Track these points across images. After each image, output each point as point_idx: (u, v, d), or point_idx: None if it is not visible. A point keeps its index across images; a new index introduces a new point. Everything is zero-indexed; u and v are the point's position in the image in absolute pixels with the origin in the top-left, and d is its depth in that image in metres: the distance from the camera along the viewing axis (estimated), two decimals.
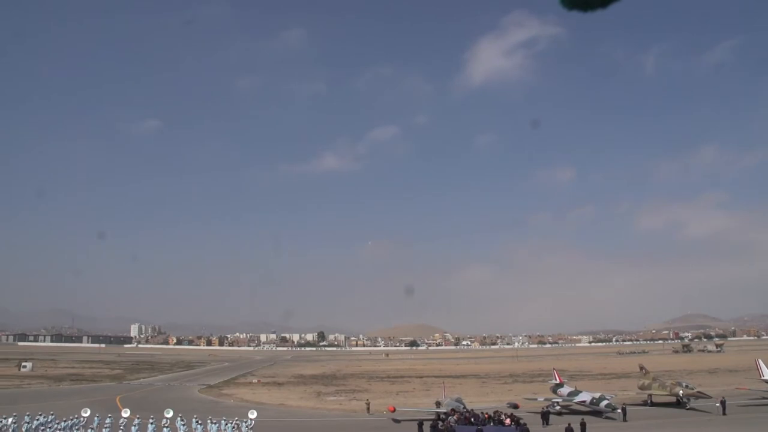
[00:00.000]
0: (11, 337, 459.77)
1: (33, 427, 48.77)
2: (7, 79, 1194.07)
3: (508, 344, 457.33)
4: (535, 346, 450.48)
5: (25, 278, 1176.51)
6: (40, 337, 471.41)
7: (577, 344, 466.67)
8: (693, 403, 67.38)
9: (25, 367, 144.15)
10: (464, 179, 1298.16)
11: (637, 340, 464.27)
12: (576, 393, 70.98)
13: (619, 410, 61.88)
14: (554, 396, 72.74)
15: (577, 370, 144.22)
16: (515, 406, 66.24)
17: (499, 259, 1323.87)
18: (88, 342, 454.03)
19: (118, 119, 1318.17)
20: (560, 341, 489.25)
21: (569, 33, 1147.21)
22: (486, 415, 56.53)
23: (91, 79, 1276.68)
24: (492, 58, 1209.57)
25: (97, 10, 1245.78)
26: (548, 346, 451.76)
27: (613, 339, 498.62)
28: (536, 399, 72.39)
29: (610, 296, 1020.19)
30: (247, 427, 50.26)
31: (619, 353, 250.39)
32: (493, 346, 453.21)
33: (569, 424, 52.68)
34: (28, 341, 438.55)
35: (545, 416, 60.68)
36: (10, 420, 48.80)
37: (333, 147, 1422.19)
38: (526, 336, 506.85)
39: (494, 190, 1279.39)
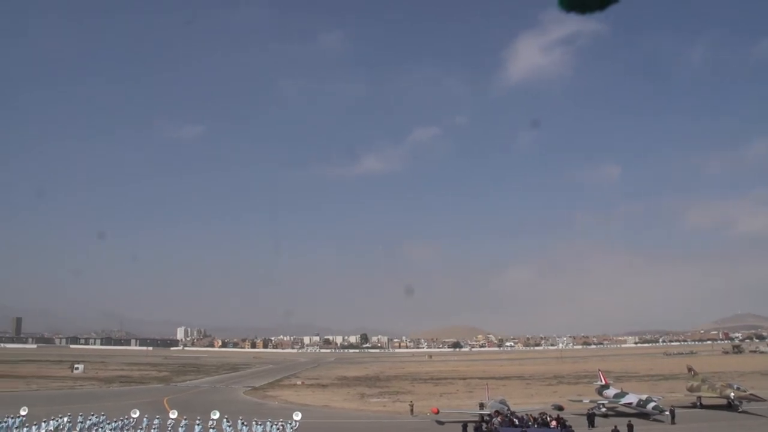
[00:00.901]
0: (64, 340, 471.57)
1: (86, 426, 50.11)
2: (55, 85, 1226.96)
3: (552, 345, 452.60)
4: (580, 347, 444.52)
5: (76, 284, 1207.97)
6: (90, 340, 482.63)
7: (623, 345, 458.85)
8: (745, 406, 65.43)
9: (77, 368, 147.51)
10: (505, 179, 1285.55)
11: (684, 341, 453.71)
12: (622, 394, 69.63)
13: (667, 412, 60.48)
14: (600, 398, 71.48)
15: (623, 371, 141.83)
16: (560, 408, 65.43)
17: (542, 258, 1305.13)
18: (136, 345, 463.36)
19: (162, 124, 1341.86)
20: (605, 342, 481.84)
21: (611, 28, 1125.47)
22: (531, 417, 56.00)
23: (133, 83, 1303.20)
24: (531, 56, 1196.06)
25: (135, 17, 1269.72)
26: (593, 346, 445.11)
27: (660, 339, 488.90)
28: (581, 401, 71.25)
29: (657, 296, 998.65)
30: (291, 428, 50.72)
31: (666, 354, 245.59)
32: (536, 348, 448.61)
33: (615, 427, 51.82)
34: (80, 344, 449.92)
35: (590, 418, 59.79)
36: (65, 419, 50.40)
37: (374, 148, 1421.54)
38: (570, 337, 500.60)
39: (536, 189, 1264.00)
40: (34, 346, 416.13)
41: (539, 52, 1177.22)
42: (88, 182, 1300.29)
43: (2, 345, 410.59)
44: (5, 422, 48.60)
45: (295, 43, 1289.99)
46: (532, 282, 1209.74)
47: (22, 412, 51.78)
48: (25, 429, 47.67)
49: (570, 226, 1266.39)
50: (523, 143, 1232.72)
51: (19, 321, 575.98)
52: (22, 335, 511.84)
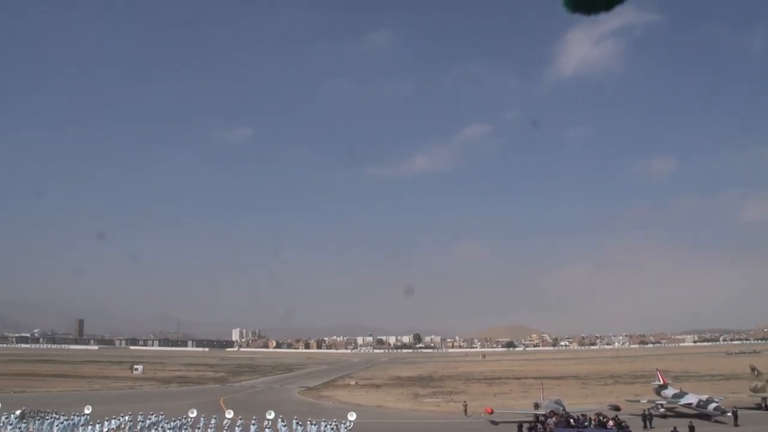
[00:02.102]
0: (124, 342, 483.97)
1: (146, 425, 51.27)
2: (113, 94, 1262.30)
3: (607, 344, 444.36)
4: (636, 346, 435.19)
5: (136, 287, 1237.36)
6: (149, 341, 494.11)
7: (681, 344, 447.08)
8: None
9: (136, 369, 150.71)
10: (557, 174, 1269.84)
11: (746, 339, 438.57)
12: (681, 395, 67.68)
13: (730, 413, 58.49)
14: (658, 398, 69.75)
15: (682, 371, 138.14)
16: (617, 408, 64.21)
17: (595, 256, 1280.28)
18: (192, 346, 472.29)
19: (212, 128, 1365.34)
20: (663, 341, 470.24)
21: (667, 18, 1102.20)
22: (587, 418, 55.04)
23: (185, 88, 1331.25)
24: (583, 48, 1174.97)
25: (179, 23, 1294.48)
26: (650, 346, 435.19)
27: (721, 338, 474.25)
28: (639, 401, 69.66)
29: (717, 293, 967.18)
30: (345, 428, 50.92)
31: (728, 353, 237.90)
32: (592, 347, 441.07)
33: (675, 428, 50.44)
34: (139, 345, 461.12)
35: (646, 419, 58.34)
36: (126, 418, 51.75)
37: (424, 148, 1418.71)
38: (626, 336, 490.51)
39: (588, 184, 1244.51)
40: (96, 347, 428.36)
41: (591, 44, 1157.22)
42: (145, 188, 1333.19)
43: (66, 346, 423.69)
44: (71, 420, 50.21)
45: (342, 43, 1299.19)
46: (587, 280, 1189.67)
47: (87, 411, 53.35)
48: (89, 427, 49.07)
49: (624, 222, 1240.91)
50: (574, 138, 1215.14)
51: (81, 323, 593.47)
52: (84, 337, 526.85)
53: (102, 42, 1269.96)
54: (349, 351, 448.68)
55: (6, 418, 51.47)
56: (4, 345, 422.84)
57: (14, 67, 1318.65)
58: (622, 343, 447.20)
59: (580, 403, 75.35)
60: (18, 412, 52.69)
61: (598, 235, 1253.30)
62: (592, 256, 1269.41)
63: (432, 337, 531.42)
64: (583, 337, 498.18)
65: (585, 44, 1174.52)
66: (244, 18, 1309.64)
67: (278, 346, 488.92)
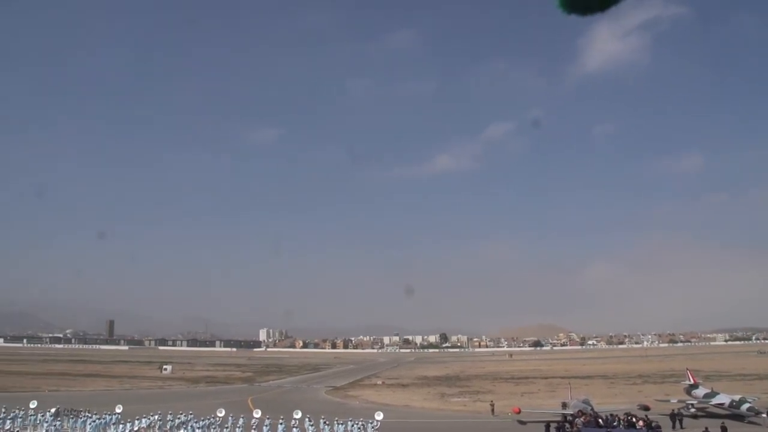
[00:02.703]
0: (153, 342, 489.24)
1: (175, 425, 51.94)
2: (143, 97, 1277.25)
3: (636, 343, 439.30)
4: (666, 345, 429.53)
5: (165, 288, 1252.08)
6: (177, 342, 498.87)
7: (712, 343, 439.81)
8: None
9: (165, 369, 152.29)
10: (583, 172, 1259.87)
11: None
12: (713, 395, 66.68)
13: (764, 414, 57.44)
14: (688, 398, 68.83)
15: (713, 370, 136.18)
16: (646, 408, 63.54)
17: (623, 254, 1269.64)
18: (220, 346, 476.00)
19: (239, 129, 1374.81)
20: (693, 340, 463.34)
21: (693, 11, 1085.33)
22: (616, 418, 54.62)
23: (211, 89, 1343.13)
24: (609, 43, 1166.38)
25: (206, 28, 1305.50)
26: (680, 345, 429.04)
27: (753, 337, 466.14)
28: (669, 400, 68.85)
29: (748, 291, 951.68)
30: (372, 428, 51.10)
31: (761, 352, 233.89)
32: (620, 346, 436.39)
33: (706, 428, 49.86)
34: (168, 346, 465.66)
35: (674, 418, 57.62)
36: (156, 417, 52.51)
37: (447, 147, 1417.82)
38: (655, 335, 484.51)
39: (615, 182, 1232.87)
40: (126, 347, 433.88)
41: (616, 39, 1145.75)
42: (172, 189, 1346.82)
43: (97, 346, 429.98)
44: (103, 419, 51.11)
45: (365, 43, 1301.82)
46: (615, 278, 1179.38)
47: (118, 410, 54.19)
48: (120, 426, 49.85)
49: (652, 220, 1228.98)
50: (600, 135, 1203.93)
51: (111, 324, 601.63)
52: (114, 337, 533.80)
53: (129, 44, 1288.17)
54: (375, 351, 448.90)
55: (42, 415, 52.55)
56: (39, 345, 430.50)
57: (53, 69, 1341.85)
58: (651, 342, 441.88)
59: (609, 402, 74.74)
60: (53, 411, 53.76)
61: (625, 233, 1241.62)
62: (620, 255, 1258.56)
63: (458, 336, 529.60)
64: (611, 336, 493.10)
65: (610, 39, 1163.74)
66: (267, 20, 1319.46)
67: (305, 346, 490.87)
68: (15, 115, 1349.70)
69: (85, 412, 54.17)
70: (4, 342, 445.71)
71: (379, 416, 53.14)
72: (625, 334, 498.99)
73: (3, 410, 53.06)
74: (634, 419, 53.56)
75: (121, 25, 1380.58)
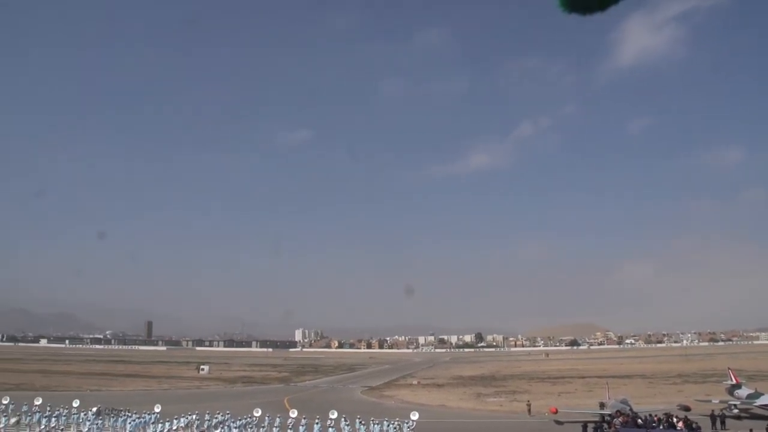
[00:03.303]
0: (190, 343, 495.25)
1: (212, 424, 52.49)
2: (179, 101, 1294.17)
3: (675, 342, 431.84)
4: (706, 344, 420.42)
5: (201, 290, 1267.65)
6: (214, 342, 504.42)
7: (755, 341, 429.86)
8: None
9: (203, 369, 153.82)
10: (619, 168, 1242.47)
11: None
12: (757, 395, 64.89)
13: None
14: (731, 398, 67.23)
15: (756, 370, 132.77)
16: (686, 408, 62.36)
17: (661, 251, 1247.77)
18: (256, 346, 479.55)
19: (274, 130, 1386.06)
20: (735, 338, 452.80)
21: (732, 0, 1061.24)
22: (655, 418, 53.75)
23: (245, 91, 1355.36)
24: (642, 37, 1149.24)
25: (243, 32, 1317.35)
26: (721, 343, 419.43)
27: None
28: (710, 401, 67.45)
29: None
30: (408, 427, 51.07)
31: None
32: (659, 345, 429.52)
33: (751, 430, 48.74)
34: (204, 346, 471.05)
35: (716, 419, 56.38)
36: (194, 417, 53.18)
37: (481, 144, 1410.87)
38: (695, 333, 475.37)
39: (651, 177, 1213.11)
40: (164, 348, 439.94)
41: (650, 32, 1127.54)
42: (204, 190, 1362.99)
43: (136, 347, 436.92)
44: (142, 418, 51.93)
45: (396, 43, 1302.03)
46: (652, 276, 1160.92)
47: (156, 410, 54.99)
48: (159, 425, 50.58)
49: (690, 216, 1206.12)
50: (635, 130, 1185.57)
51: (150, 325, 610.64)
52: (153, 338, 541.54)
53: (158, 45, 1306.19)
54: (410, 350, 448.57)
55: (84, 414, 53.58)
56: (80, 346, 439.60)
57: (96, 71, 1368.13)
58: (691, 341, 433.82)
59: (648, 402, 73.60)
60: (94, 410, 54.79)
61: (662, 230, 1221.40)
62: (657, 252, 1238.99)
63: (494, 335, 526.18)
64: (649, 335, 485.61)
65: (644, 32, 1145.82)
66: (298, 21, 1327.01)
67: (340, 346, 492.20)
68: (63, 122, 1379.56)
69: (125, 411, 55.09)
70: (48, 343, 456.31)
71: (414, 416, 53.08)
72: (663, 332, 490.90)
73: (48, 409, 54.29)
74: (674, 419, 52.67)
75: (152, 29, 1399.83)
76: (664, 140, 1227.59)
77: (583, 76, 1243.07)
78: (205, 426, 52.78)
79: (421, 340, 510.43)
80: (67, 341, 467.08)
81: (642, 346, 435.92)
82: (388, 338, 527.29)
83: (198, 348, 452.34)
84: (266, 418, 54.34)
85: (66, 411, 54.06)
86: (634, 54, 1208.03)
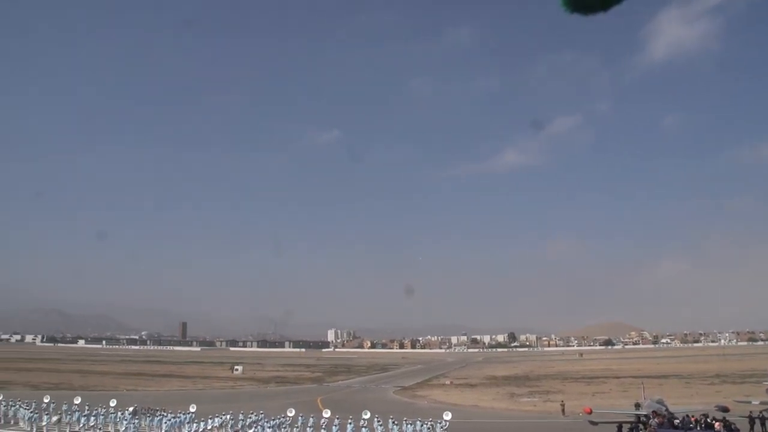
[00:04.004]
0: (224, 343, 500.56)
1: (246, 424, 52.91)
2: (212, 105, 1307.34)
3: (712, 342, 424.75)
4: (745, 343, 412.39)
5: (235, 291, 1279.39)
6: (248, 343, 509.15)
7: None
8: None
9: (236, 370, 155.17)
10: (653, 165, 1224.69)
11: None
12: None
13: None
14: None
15: None
16: (725, 410, 61.05)
17: (697, 249, 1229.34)
18: (289, 347, 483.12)
19: (303, 131, 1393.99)
20: None
21: None
22: (692, 419, 52.85)
23: (274, 93, 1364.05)
24: (676, 30, 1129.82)
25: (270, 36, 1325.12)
26: (760, 343, 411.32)
27: None
28: (750, 402, 66.06)
29: None
30: (441, 428, 50.89)
31: None
32: (695, 344, 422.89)
33: None
34: (238, 347, 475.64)
35: (756, 421, 55.09)
36: (228, 416, 53.68)
37: (513, 142, 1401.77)
38: (733, 332, 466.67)
39: (686, 174, 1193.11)
40: (198, 348, 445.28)
41: (684, 25, 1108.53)
42: (235, 190, 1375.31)
43: (171, 347, 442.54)
44: (178, 418, 52.58)
45: (425, 41, 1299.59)
46: (688, 274, 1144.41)
47: (191, 409, 55.63)
48: (194, 425, 51.14)
49: (726, 213, 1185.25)
50: (669, 126, 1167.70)
51: (184, 326, 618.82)
52: (187, 339, 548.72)
53: (195, 51, 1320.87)
54: (443, 350, 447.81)
55: (121, 414, 54.44)
56: (116, 346, 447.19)
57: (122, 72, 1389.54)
58: (729, 341, 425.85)
59: (684, 403, 72.31)
60: (131, 409, 55.57)
61: (699, 227, 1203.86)
62: (693, 250, 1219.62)
63: (527, 335, 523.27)
64: (685, 334, 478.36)
65: (678, 25, 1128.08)
66: (326, 21, 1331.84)
67: (373, 346, 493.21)
68: (100, 123, 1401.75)
69: (160, 411, 55.79)
70: (85, 343, 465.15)
71: (447, 416, 52.89)
72: (700, 332, 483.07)
73: (86, 408, 55.26)
74: (711, 420, 51.71)
75: (184, 31, 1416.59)
76: (698, 136, 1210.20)
77: (616, 72, 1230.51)
78: (239, 426, 53.21)
79: (454, 340, 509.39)
80: (103, 342, 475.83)
81: (678, 345, 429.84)
82: (420, 338, 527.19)
83: (232, 348, 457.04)
84: (299, 418, 54.60)
85: (104, 410, 54.94)
86: (667, 48, 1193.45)
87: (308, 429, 52.49)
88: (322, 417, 54.70)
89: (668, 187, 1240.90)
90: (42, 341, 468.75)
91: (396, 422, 52.02)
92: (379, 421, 51.93)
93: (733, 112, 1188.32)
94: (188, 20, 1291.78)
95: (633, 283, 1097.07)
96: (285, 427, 52.13)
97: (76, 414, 54.33)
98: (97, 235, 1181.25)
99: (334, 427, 51.26)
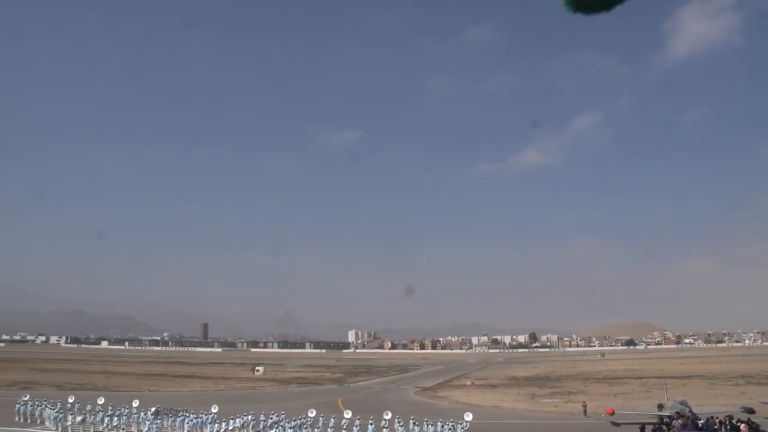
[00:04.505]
0: (245, 344, 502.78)
1: (268, 424, 53.17)
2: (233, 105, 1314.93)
3: (737, 342, 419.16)
4: None
5: (255, 292, 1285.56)
6: (268, 343, 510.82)
7: None
8: None
9: (258, 370, 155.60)
10: (676, 162, 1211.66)
11: None
12: None
13: None
14: None
15: None
16: (750, 411, 60.27)
17: (721, 248, 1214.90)
18: (310, 348, 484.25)
19: (323, 131, 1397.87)
20: None
21: None
22: (717, 420, 52.22)
23: (295, 93, 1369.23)
24: (698, 25, 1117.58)
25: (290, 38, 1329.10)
26: None
27: None
28: None
29: None
30: (462, 428, 50.79)
31: None
32: (719, 345, 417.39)
33: None
34: (259, 347, 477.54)
35: None
36: (249, 417, 54.01)
37: (533, 141, 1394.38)
38: (758, 332, 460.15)
39: (710, 171, 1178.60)
40: (220, 349, 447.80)
41: (706, 19, 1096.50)
42: (256, 189, 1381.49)
43: (192, 348, 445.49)
44: (200, 418, 52.98)
45: (444, 40, 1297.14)
46: (711, 274, 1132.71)
47: (213, 410, 55.99)
48: (216, 425, 51.50)
49: (751, 211, 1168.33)
50: (691, 123, 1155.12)
51: (206, 327, 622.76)
52: (208, 340, 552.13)
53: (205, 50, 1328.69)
54: (464, 351, 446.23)
55: (144, 414, 54.96)
56: (139, 347, 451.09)
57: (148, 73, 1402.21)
58: (753, 341, 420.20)
59: (709, 404, 71.55)
60: (153, 410, 56.07)
61: (722, 226, 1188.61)
62: (717, 249, 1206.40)
63: (548, 336, 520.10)
64: (709, 335, 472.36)
65: (699, 20, 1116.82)
66: (345, 20, 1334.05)
67: (393, 346, 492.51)
68: (126, 123, 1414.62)
69: (183, 411, 56.23)
70: (108, 344, 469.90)
71: (468, 417, 52.79)
72: (724, 332, 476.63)
73: (110, 408, 55.87)
74: (736, 422, 51.08)
75: (204, 33, 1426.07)
76: (722, 132, 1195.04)
77: (636, 69, 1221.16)
78: (261, 426, 53.49)
79: (474, 340, 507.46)
80: (126, 343, 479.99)
81: (701, 345, 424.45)
82: (441, 339, 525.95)
83: (253, 349, 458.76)
84: (321, 418, 54.76)
85: (126, 411, 55.51)
86: (689, 44, 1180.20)
87: (329, 430, 52.65)
88: (343, 418, 54.83)
89: (691, 185, 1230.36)
90: (66, 342, 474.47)
91: (417, 423, 51.99)
92: (399, 422, 51.95)
93: (758, 107, 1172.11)
94: (206, 22, 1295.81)
95: (655, 282, 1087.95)
96: (306, 428, 52.32)
97: (100, 414, 55.01)
98: (99, 235, 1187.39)
99: (355, 428, 51.36)
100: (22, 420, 58.56)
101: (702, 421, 51.99)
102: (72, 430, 53.66)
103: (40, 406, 59.38)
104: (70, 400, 60.42)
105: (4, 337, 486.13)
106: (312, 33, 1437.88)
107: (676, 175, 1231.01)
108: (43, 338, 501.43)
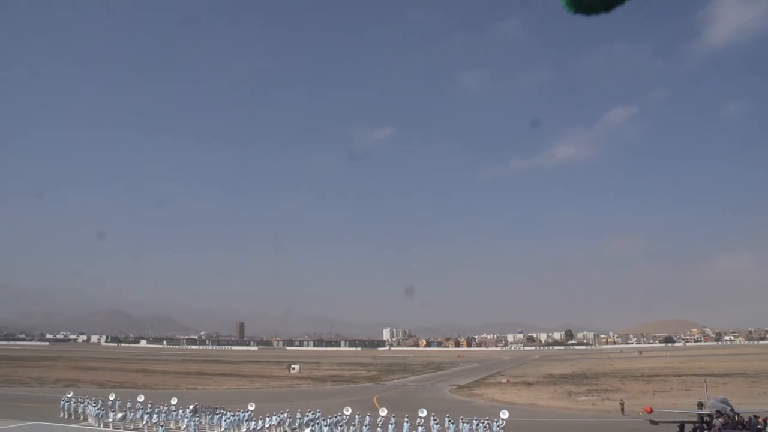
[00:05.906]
0: (281, 342, 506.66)
1: (304, 422, 53.62)
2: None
3: None
4: None
5: (291, 291, 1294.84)
6: (304, 342, 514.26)
7: None
8: None
9: (293, 369, 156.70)
10: (712, 155, 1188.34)
11: None
12: None
13: None
14: None
15: None
16: None
17: (761, 243, 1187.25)
18: (345, 346, 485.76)
19: (355, 129, 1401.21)
20: None
21: None
22: (760, 420, 51.20)
23: (327, 92, 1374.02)
24: (734, 12, 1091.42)
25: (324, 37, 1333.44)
26: None
27: None
28: None
29: None
30: (498, 426, 50.65)
31: None
32: (761, 342, 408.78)
33: None
34: (295, 346, 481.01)
35: None
36: (286, 415, 54.53)
37: (566, 136, 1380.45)
38: None
39: (750, 162, 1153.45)
40: (256, 348, 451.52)
41: (743, 6, 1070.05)
42: (289, 190, 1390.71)
43: (229, 347, 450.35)
44: (237, 416, 53.69)
45: (475, 35, 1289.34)
46: (752, 269, 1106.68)
47: (250, 408, 56.67)
48: (252, 423, 52.07)
49: None
50: (730, 113, 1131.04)
51: (242, 326, 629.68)
52: (245, 338, 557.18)
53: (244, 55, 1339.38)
54: (499, 348, 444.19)
55: (182, 412, 55.83)
56: (176, 346, 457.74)
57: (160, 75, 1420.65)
58: None
59: (750, 403, 70.19)
60: (191, 407, 56.92)
61: (763, 221, 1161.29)
62: (758, 244, 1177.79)
63: (584, 333, 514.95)
64: (750, 331, 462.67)
65: (735, 7, 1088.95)
66: (375, 16, 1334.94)
67: (428, 344, 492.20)
68: (155, 129, 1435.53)
69: (220, 409, 56.99)
70: (147, 343, 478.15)
71: (504, 415, 52.59)
72: (766, 328, 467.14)
73: (149, 406, 56.89)
74: None
75: (240, 38, 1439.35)
76: (763, 123, 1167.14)
77: (671, 60, 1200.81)
78: (297, 424, 53.99)
79: (510, 338, 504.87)
80: (164, 342, 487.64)
81: (742, 342, 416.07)
82: (476, 336, 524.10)
83: (288, 347, 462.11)
84: (356, 416, 55.03)
85: (165, 408, 56.44)
86: (726, 32, 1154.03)
87: (365, 427, 52.89)
88: (379, 415, 55.00)
89: (730, 179, 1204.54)
90: (106, 341, 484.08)
91: (452, 421, 51.99)
92: (435, 420, 51.96)
93: None
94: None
95: (694, 279, 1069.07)
96: (342, 426, 52.59)
97: (140, 411, 56.06)
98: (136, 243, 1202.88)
99: (390, 426, 51.55)
100: (66, 416, 60.25)
101: (744, 420, 51.03)
102: (113, 426, 54.82)
103: (83, 403, 60.96)
104: (111, 398, 61.81)
105: (48, 336, 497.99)
106: (344, 30, 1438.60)
107: (715, 168, 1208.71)
108: (84, 337, 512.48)
